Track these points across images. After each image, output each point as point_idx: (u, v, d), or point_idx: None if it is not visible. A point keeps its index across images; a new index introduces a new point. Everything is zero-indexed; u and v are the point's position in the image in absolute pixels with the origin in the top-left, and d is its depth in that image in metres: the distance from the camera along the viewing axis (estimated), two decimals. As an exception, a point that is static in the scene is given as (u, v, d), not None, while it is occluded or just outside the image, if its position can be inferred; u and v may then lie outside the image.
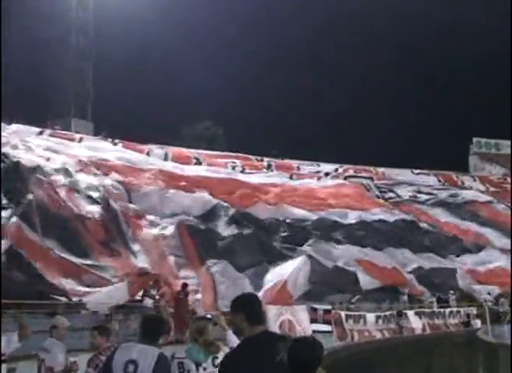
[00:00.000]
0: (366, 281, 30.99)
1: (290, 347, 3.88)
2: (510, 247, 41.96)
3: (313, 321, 19.54)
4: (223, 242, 31.48)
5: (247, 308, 4.36)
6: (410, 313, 26.47)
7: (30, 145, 37.61)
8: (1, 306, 14.03)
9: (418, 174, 63.90)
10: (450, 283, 34.09)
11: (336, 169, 59.96)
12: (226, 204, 37.13)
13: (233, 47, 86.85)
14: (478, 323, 27.87)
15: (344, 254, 33.77)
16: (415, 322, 25.96)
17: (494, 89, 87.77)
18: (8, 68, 48.52)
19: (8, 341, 7.40)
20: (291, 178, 53.64)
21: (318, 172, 58.37)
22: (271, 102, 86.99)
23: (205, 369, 6.17)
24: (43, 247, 23.25)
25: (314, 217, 40.36)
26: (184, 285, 22.17)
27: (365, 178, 58.78)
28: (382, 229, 41.40)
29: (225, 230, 33.31)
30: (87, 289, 21.90)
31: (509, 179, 67.50)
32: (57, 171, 32.79)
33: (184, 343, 8.85)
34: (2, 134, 34.65)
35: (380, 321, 24.36)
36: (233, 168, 52.21)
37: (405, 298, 30.51)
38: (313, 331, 18.86)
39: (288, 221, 38.00)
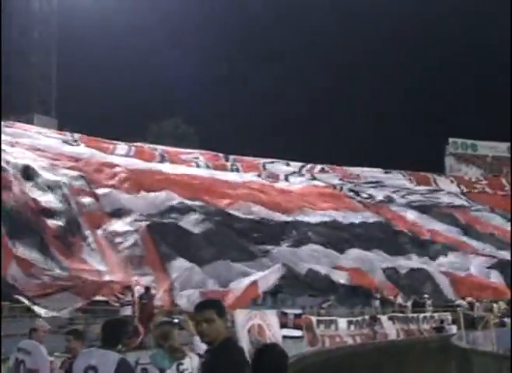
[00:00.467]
0: (338, 285, 31.08)
1: (254, 357, 3.83)
2: (485, 252, 42.55)
3: (283, 326, 19.44)
4: (187, 239, 31.27)
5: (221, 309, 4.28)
6: (383, 318, 26.56)
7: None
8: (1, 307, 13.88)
9: (392, 175, 64.23)
10: (424, 287, 34.33)
11: (302, 167, 59.98)
12: (191, 202, 36.97)
13: (204, 43, 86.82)
14: (453, 329, 28.10)
15: (315, 256, 33.80)
16: (389, 328, 26.07)
17: (471, 89, 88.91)
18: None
19: None
20: (259, 176, 53.63)
21: (287, 170, 58.47)
22: (242, 100, 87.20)
23: (169, 375, 6.07)
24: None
25: (284, 217, 40.38)
26: (147, 288, 21.96)
27: (337, 178, 58.97)
28: (354, 231, 41.57)
29: (190, 227, 33.12)
30: (44, 291, 21.53)
31: (485, 181, 68.34)
32: (13, 165, 32.30)
33: (149, 349, 8.79)
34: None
35: (353, 326, 24.39)
36: (198, 165, 52.19)
37: (378, 302, 30.64)
38: (284, 336, 18.79)
39: (256, 219, 37.98)
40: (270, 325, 17.87)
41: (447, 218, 50.71)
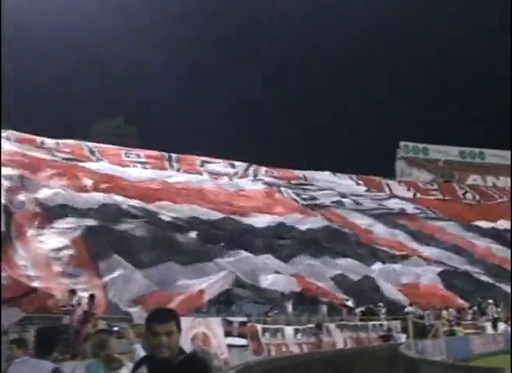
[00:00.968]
0: (285, 293, 31.18)
1: (176, 367, 3.84)
2: (436, 258, 43.28)
3: (227, 334, 19.42)
4: (125, 242, 30.90)
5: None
6: (331, 326, 26.72)
7: None
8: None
9: (341, 178, 64.72)
10: (372, 294, 34.68)
11: (247, 168, 60.13)
12: (131, 202, 36.75)
13: (149, 43, 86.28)
14: (402, 337, 28.45)
15: (263, 263, 33.88)
16: (337, 336, 26.25)
17: (422, 92, 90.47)
18: None
19: None
20: (202, 177, 53.68)
21: (232, 171, 58.59)
22: (187, 99, 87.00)
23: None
24: None
25: (230, 220, 40.43)
26: (91, 296, 21.66)
27: (283, 180, 59.22)
28: (302, 236, 41.79)
29: (129, 230, 32.78)
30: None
31: (436, 186, 69.57)
32: None
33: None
34: None
35: (299, 334, 24.47)
36: (131, 163, 52.10)
37: (325, 309, 30.79)
38: (228, 345, 18.76)
39: (197, 221, 37.98)
40: (215, 334, 17.82)
41: (397, 225, 51.34)
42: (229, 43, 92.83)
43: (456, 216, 57.28)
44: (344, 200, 56.36)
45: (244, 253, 34.02)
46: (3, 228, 27.82)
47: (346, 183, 63.75)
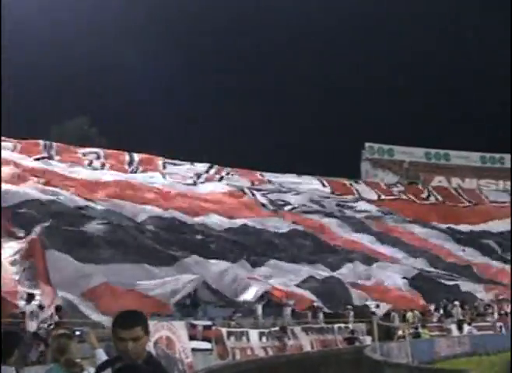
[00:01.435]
0: (250, 296, 31.20)
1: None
2: (401, 260, 43.65)
3: (192, 338, 19.37)
4: (79, 240, 30.48)
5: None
6: (297, 329, 26.80)
7: None
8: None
9: (307, 180, 64.77)
10: (338, 297, 34.82)
11: (209, 169, 60.04)
12: (92, 204, 36.48)
13: (108, 43, 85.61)
14: (367, 340, 28.66)
15: (227, 266, 33.81)
16: (302, 339, 26.34)
17: (387, 93, 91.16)
18: None
19: None
20: (164, 177, 53.51)
21: (194, 172, 58.47)
22: (146, 99, 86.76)
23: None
24: None
25: (187, 221, 40.33)
26: (58, 308, 21.40)
27: (247, 182, 59.14)
28: (267, 239, 41.84)
29: (89, 230, 32.41)
30: None
31: (401, 187, 70.14)
32: None
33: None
34: None
35: (264, 338, 24.51)
36: (90, 163, 51.87)
37: (289, 312, 30.84)
38: (193, 349, 18.71)
39: (156, 223, 37.89)
40: (179, 338, 17.77)
41: (363, 227, 51.62)
42: (195, 42, 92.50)
43: (421, 218, 57.80)
44: (309, 202, 56.45)
45: (207, 256, 33.97)
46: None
47: (311, 185, 63.82)
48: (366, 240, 48.34)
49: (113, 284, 26.13)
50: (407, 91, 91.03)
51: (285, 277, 35.12)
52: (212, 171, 60.36)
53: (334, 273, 38.18)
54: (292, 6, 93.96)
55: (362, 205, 59.44)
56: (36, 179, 39.45)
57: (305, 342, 26.40)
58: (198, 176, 57.65)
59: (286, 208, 53.19)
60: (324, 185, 64.52)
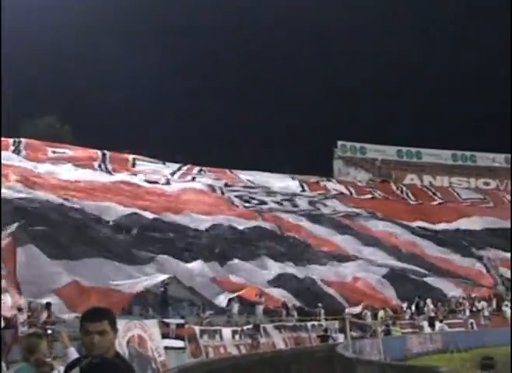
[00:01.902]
0: (223, 294, 31.34)
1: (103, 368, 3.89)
2: (374, 258, 44.00)
3: (164, 336, 19.42)
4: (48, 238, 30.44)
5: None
6: (269, 327, 26.97)
7: None
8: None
9: (280, 179, 64.87)
10: (311, 295, 35.10)
11: (180, 168, 59.96)
12: (68, 204, 36.36)
13: (92, 39, 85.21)
14: (340, 337, 28.91)
15: (199, 266, 33.94)
16: (275, 337, 26.51)
17: (359, 91, 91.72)
18: None
19: None
20: (134, 176, 53.35)
21: (165, 170, 58.36)
22: (121, 98, 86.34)
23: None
24: None
25: (159, 220, 40.32)
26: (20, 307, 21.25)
27: (219, 181, 59.12)
28: (240, 238, 41.96)
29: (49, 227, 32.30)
30: None
31: (373, 185, 70.57)
32: None
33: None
34: None
35: (237, 336, 24.65)
36: (56, 160, 51.58)
37: (262, 310, 31.01)
38: (165, 347, 18.78)
39: (128, 222, 37.85)
40: (151, 336, 17.82)
41: (335, 225, 51.83)
42: (170, 42, 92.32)
43: (393, 216, 58.13)
44: (282, 200, 56.56)
45: (179, 255, 34.05)
46: None
47: (284, 182, 63.98)
48: (338, 238, 48.55)
49: (85, 282, 26.17)
50: (379, 90, 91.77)
51: (257, 276, 35.32)
52: (184, 169, 60.30)
53: (307, 272, 38.43)
54: (267, 6, 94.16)
55: (334, 203, 59.69)
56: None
57: (278, 340, 26.58)
58: (170, 174, 57.57)
59: (258, 207, 53.21)
60: (296, 183, 64.68)
